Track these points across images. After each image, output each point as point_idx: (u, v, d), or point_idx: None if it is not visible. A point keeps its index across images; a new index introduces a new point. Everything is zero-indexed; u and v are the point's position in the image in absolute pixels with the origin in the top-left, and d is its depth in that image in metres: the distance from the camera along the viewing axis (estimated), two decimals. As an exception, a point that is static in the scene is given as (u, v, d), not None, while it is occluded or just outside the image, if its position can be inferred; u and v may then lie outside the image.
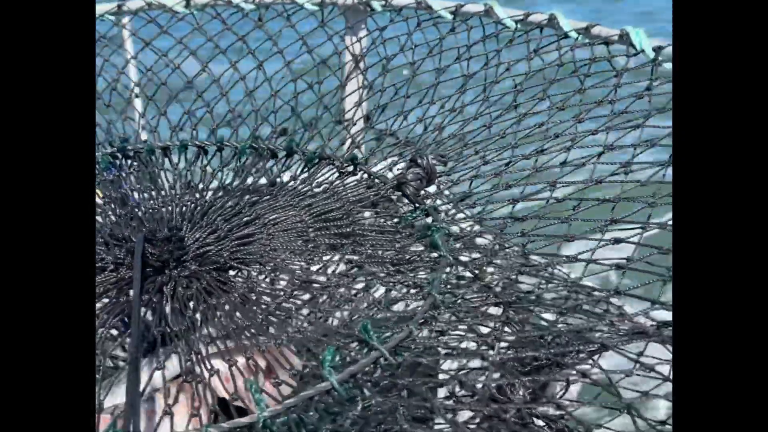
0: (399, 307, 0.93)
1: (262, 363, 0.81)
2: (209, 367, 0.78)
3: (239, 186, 1.10)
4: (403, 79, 1.33)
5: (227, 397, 0.77)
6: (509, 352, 0.89)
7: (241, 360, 0.80)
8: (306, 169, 1.14)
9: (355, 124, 1.30)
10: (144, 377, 0.78)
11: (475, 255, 0.97)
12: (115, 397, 0.77)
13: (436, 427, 0.79)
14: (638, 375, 0.90)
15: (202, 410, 0.76)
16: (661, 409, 0.87)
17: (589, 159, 1.04)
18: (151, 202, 1.06)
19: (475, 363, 0.99)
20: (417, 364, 0.89)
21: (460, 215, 1.03)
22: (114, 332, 0.88)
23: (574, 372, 0.83)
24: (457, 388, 0.86)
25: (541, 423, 0.84)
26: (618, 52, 1.20)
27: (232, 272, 0.95)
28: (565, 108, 1.15)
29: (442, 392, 0.87)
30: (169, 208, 1.04)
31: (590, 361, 0.83)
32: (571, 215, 0.96)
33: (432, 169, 1.02)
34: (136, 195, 1.08)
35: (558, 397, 0.88)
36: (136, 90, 1.44)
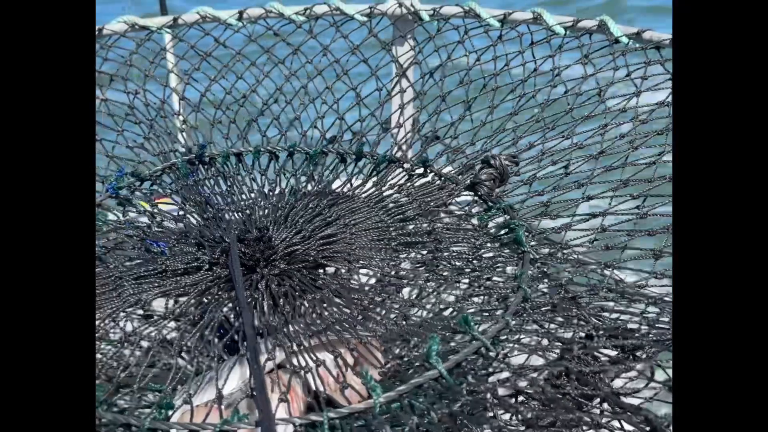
0: (481, 301, 0.97)
1: (349, 357, 0.85)
2: (314, 357, 0.82)
3: (315, 189, 1.14)
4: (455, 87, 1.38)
5: (332, 386, 0.81)
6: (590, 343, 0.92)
7: (342, 351, 0.84)
8: (376, 172, 1.18)
9: (416, 131, 1.34)
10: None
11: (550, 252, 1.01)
12: (230, 386, 0.81)
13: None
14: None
15: (305, 400, 0.80)
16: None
17: (657, 158, 1.07)
18: (234, 205, 1.11)
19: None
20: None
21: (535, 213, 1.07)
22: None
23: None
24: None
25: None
26: (669, 55, 1.24)
27: (319, 270, 0.99)
28: (627, 110, 1.19)
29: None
30: (254, 210, 1.08)
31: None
32: (645, 212, 1.00)
33: (505, 169, 1.06)
34: (219, 198, 1.12)
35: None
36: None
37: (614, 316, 0.96)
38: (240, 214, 1.07)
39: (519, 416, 0.80)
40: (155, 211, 1.10)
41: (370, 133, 1.33)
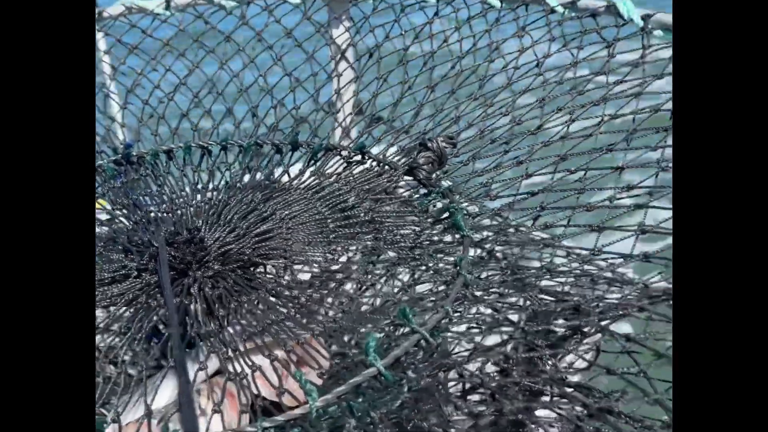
0: (423, 289, 0.94)
1: (294, 357, 0.82)
2: (250, 363, 0.79)
3: (249, 183, 1.10)
4: (394, 67, 1.35)
5: (270, 391, 0.78)
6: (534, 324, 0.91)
7: (280, 354, 0.81)
8: (313, 162, 1.14)
9: (356, 114, 1.30)
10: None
11: (492, 233, 0.99)
12: (160, 400, 0.78)
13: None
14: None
15: (244, 407, 0.76)
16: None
17: (594, 130, 1.06)
18: (164, 206, 1.06)
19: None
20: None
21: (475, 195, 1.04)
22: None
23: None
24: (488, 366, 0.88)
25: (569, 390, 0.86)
26: (607, 23, 1.22)
27: (255, 269, 0.95)
28: (563, 82, 1.17)
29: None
30: (184, 210, 1.04)
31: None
32: (583, 186, 0.98)
33: (442, 152, 1.03)
34: (147, 200, 1.08)
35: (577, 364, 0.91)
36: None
37: (559, 293, 0.94)
38: (170, 215, 1.03)
39: (464, 408, 0.78)
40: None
41: (310, 119, 1.30)
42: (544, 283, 0.93)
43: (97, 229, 1.03)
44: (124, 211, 1.05)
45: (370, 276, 0.91)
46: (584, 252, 0.94)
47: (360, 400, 0.73)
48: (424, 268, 0.91)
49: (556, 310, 0.88)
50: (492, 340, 0.93)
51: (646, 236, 0.90)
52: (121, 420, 0.73)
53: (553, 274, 0.93)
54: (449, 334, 0.82)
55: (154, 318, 0.86)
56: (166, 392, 0.79)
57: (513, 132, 1.14)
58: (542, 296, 0.91)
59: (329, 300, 0.89)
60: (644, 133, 1.03)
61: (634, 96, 1.08)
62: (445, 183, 1.11)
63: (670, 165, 0.93)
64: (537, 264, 0.95)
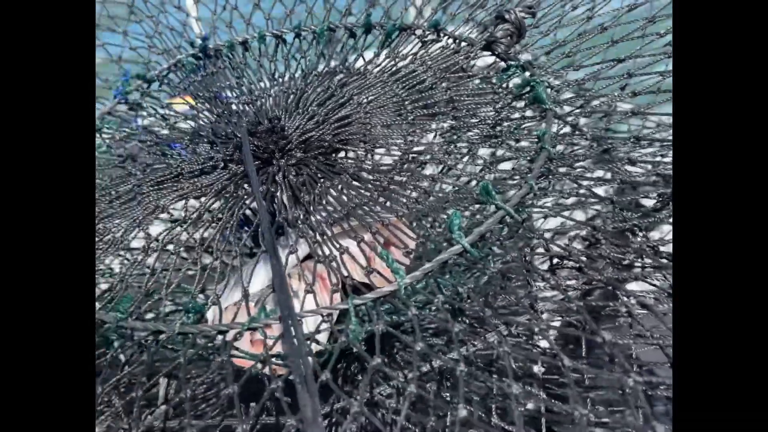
0: (506, 167, 0.93)
1: (380, 239, 0.83)
2: (338, 245, 0.81)
3: (326, 70, 1.10)
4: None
5: (356, 273, 0.79)
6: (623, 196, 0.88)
7: (366, 237, 0.82)
8: (388, 44, 1.12)
9: None
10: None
11: (576, 105, 0.96)
12: (255, 284, 0.81)
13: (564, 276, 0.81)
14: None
15: (335, 287, 0.79)
16: None
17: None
18: (244, 97, 1.07)
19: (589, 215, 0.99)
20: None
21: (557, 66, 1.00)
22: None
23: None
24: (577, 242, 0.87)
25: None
26: None
27: (336, 155, 0.96)
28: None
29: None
30: (263, 100, 1.04)
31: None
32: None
33: (521, 23, 0.99)
34: (228, 92, 1.09)
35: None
36: None
37: (649, 163, 0.91)
38: (251, 105, 1.04)
39: (552, 282, 0.78)
40: (166, 113, 1.08)
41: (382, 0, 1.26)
42: (632, 154, 0.90)
43: (182, 124, 1.06)
44: (207, 104, 1.07)
45: (450, 156, 0.90)
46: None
47: (447, 277, 0.74)
48: (505, 145, 0.89)
49: (646, 180, 0.85)
50: (579, 216, 0.92)
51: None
52: (220, 303, 0.77)
53: (642, 143, 0.90)
54: (535, 209, 0.81)
55: (244, 206, 0.88)
56: (260, 277, 0.82)
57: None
58: (630, 167, 0.88)
59: (411, 182, 0.89)
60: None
61: None
62: (526, 56, 1.07)
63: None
64: (625, 135, 0.91)
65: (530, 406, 0.75)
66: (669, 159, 0.89)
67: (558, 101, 0.93)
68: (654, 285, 0.82)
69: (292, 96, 1.03)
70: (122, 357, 0.77)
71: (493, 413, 0.83)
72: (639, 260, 0.82)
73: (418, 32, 1.11)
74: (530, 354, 0.71)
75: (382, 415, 0.85)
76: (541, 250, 0.82)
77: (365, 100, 1.00)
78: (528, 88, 0.94)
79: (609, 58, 0.97)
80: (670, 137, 0.92)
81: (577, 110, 0.91)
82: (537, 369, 0.93)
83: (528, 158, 0.85)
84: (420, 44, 1.10)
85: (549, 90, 0.94)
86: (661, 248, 0.86)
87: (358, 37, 1.16)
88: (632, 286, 0.81)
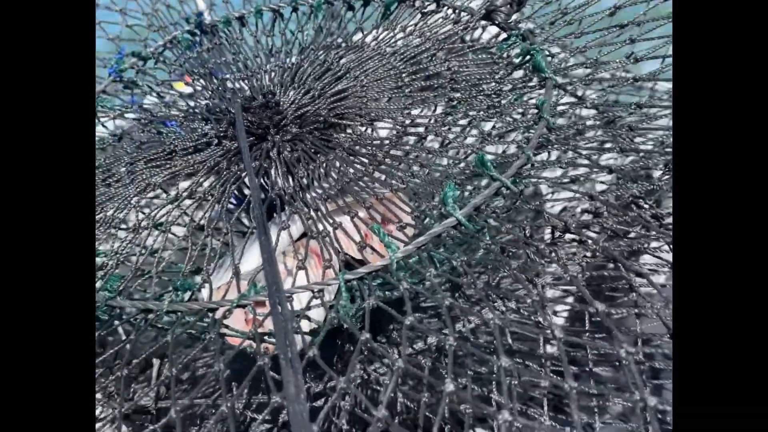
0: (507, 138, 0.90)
1: (377, 214, 0.81)
2: (331, 221, 0.79)
3: (323, 43, 1.07)
4: None
5: (352, 250, 0.78)
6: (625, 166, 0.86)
7: (360, 212, 0.80)
8: (386, 16, 1.09)
9: None
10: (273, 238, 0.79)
11: (578, 73, 0.93)
12: (249, 263, 0.80)
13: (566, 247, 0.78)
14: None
15: (333, 263, 0.77)
16: None
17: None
18: (239, 73, 1.05)
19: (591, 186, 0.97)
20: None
21: (559, 34, 0.97)
22: (231, 206, 0.90)
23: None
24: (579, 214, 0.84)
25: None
26: None
27: (332, 129, 0.94)
28: None
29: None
30: (259, 75, 1.02)
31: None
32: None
33: (521, -10, 0.96)
34: (223, 68, 1.07)
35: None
36: None
37: (651, 130, 0.88)
38: (245, 81, 1.02)
39: (553, 255, 0.76)
40: (162, 90, 1.06)
41: None
42: (636, 121, 0.88)
43: (179, 102, 1.04)
44: (202, 81, 1.05)
45: (448, 128, 0.88)
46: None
47: (441, 250, 0.72)
48: (505, 116, 0.86)
49: (649, 151, 0.82)
50: (588, 188, 0.89)
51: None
52: (211, 282, 0.75)
53: (645, 110, 0.87)
54: (533, 180, 0.79)
55: (236, 183, 0.86)
56: (253, 255, 0.81)
57: None
58: (634, 135, 0.86)
59: (408, 155, 0.87)
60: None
61: None
62: (529, 25, 1.04)
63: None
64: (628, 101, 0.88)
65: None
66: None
67: (559, 69, 0.91)
68: (658, 257, 0.80)
69: (288, 71, 1.01)
70: (122, 332, 0.76)
71: (494, 390, 0.81)
72: (643, 231, 0.80)
73: (418, 3, 1.08)
74: (526, 328, 0.69)
75: (376, 392, 0.83)
76: (542, 222, 0.80)
77: (362, 74, 0.98)
78: (527, 57, 0.91)
79: (612, 25, 0.94)
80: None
81: (578, 80, 0.89)
82: (550, 348, 0.91)
83: (527, 127, 0.83)
84: (420, 15, 1.08)
85: (550, 59, 0.91)
86: (668, 220, 0.84)
87: (357, 9, 1.13)
88: (644, 259, 0.79)
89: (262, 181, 0.87)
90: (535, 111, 0.83)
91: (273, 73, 1.02)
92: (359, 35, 1.08)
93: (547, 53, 0.91)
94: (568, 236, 0.80)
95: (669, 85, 0.93)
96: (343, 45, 1.06)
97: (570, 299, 0.84)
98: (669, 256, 0.79)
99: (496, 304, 0.76)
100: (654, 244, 0.80)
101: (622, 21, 0.92)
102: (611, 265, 0.78)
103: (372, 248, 0.76)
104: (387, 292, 0.75)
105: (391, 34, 1.05)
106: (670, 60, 0.89)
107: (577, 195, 0.78)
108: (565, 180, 0.82)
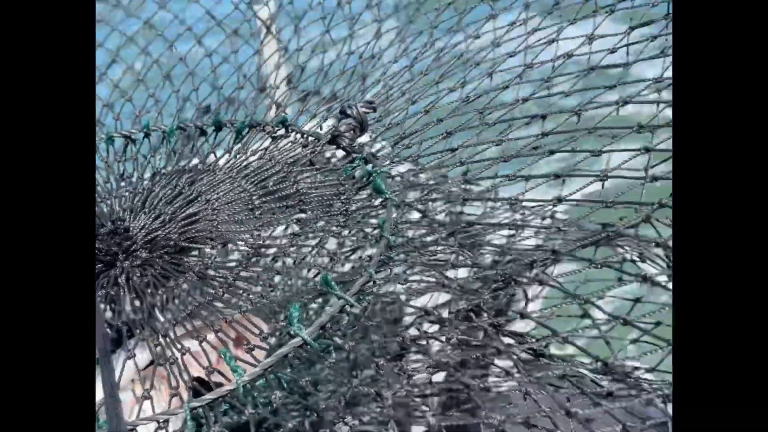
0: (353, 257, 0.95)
1: (232, 334, 0.82)
2: (179, 347, 0.79)
3: (174, 168, 1.09)
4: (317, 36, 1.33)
5: (203, 373, 0.78)
6: (469, 277, 0.92)
7: (210, 336, 0.80)
8: (238, 141, 1.13)
9: (277, 88, 1.29)
10: (117, 369, 0.77)
11: (418, 192, 1.00)
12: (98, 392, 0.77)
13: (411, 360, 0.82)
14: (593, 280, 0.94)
15: (180, 390, 0.76)
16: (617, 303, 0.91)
17: (512, 82, 1.06)
18: None
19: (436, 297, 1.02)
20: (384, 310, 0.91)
21: (399, 157, 1.04)
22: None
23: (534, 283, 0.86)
24: (426, 325, 0.88)
25: (509, 341, 0.87)
26: None
27: (183, 253, 0.95)
28: (480, 36, 1.17)
29: (411, 331, 0.90)
30: (108, 201, 1.02)
31: (546, 271, 0.87)
32: (504, 137, 0.99)
33: (363, 117, 1.03)
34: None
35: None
36: None
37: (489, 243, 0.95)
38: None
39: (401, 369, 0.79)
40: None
41: (234, 97, 1.29)
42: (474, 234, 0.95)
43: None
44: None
45: (296, 249, 0.91)
46: (512, 199, 0.95)
47: (288, 371, 0.74)
48: (350, 235, 0.91)
49: (487, 262, 0.89)
50: (433, 300, 0.94)
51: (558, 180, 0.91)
52: None
53: (483, 225, 0.94)
54: (376, 296, 0.83)
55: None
56: (98, 387, 0.79)
57: (438, 92, 1.14)
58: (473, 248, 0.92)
59: (258, 276, 0.89)
60: (561, 79, 1.04)
61: (549, 42, 1.08)
62: (377, 146, 1.11)
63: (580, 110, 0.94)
64: (465, 217, 0.95)
65: None
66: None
67: (400, 189, 0.97)
68: (501, 368, 0.84)
69: (138, 195, 1.02)
70: None
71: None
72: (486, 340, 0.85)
73: (267, 128, 1.13)
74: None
75: None
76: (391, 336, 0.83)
77: (214, 197, 1.00)
78: (369, 178, 0.97)
79: (447, 148, 1.03)
80: (508, 218, 0.97)
81: (415, 200, 0.95)
82: None
83: (370, 246, 0.87)
84: (270, 140, 1.12)
85: (390, 179, 0.97)
86: (507, 328, 0.89)
87: (209, 134, 1.16)
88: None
89: (109, 309, 0.86)
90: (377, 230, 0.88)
91: (123, 199, 1.02)
92: (212, 158, 1.11)
93: (390, 173, 0.97)
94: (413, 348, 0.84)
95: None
96: (196, 168, 1.08)
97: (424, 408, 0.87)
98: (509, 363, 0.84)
99: (346, 419, 0.78)
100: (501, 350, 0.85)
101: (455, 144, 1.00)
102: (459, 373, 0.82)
103: (220, 373, 0.76)
104: (235, 417, 0.75)
105: (243, 157, 1.09)
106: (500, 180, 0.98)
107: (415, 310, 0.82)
108: (415, 294, 0.86)
